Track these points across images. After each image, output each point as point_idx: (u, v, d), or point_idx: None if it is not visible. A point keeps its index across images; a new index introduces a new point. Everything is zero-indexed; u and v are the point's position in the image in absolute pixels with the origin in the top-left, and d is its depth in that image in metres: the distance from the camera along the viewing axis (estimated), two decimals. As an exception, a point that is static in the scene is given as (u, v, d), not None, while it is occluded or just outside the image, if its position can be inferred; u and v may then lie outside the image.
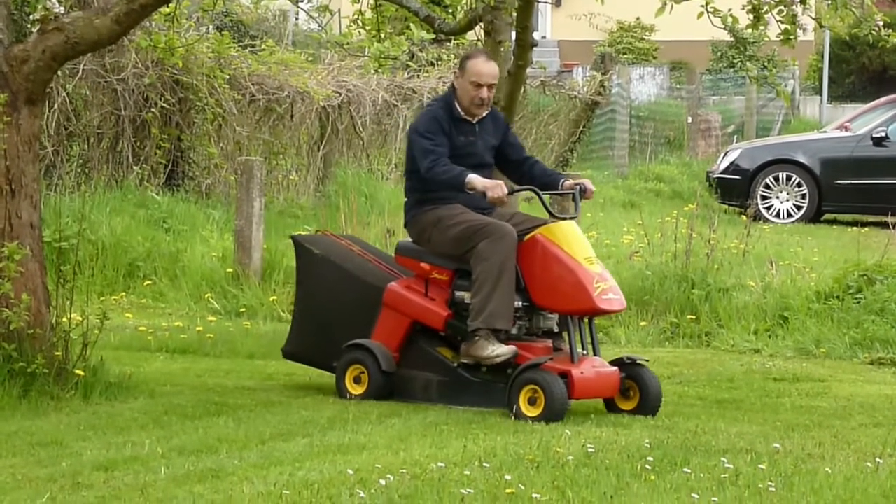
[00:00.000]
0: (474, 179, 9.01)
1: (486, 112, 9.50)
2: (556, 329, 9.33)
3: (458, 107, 9.41)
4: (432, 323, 9.46)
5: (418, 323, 9.54)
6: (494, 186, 8.97)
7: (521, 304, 9.15)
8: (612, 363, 9.30)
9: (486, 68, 9.36)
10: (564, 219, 9.38)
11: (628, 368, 9.22)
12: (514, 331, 9.19)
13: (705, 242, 13.50)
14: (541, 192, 9.47)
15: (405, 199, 9.82)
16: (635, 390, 9.20)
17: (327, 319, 9.96)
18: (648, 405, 9.13)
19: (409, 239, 9.81)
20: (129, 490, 7.20)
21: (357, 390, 9.50)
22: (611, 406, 9.32)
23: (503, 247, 8.96)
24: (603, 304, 9.03)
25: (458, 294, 9.31)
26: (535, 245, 9.07)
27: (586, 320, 9.29)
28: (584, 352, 9.25)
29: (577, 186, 9.43)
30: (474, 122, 9.43)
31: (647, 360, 9.55)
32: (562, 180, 9.56)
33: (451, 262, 9.33)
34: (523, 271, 9.07)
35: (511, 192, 9.29)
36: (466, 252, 9.09)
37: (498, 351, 8.93)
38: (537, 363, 8.91)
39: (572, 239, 9.13)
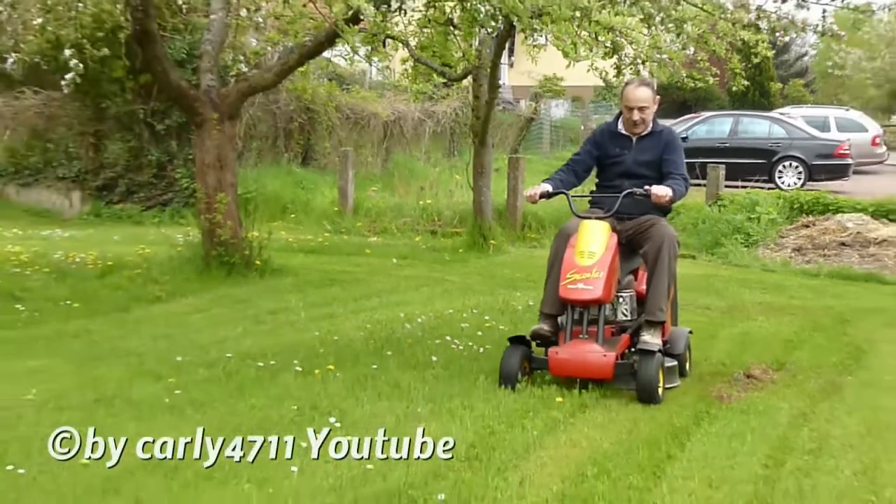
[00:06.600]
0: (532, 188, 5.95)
1: (648, 131, 6.06)
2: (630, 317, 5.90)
3: (621, 125, 6.09)
4: None
5: None
6: (530, 189, 5.91)
7: None
8: (635, 352, 5.70)
9: (633, 94, 6.01)
10: (588, 218, 5.77)
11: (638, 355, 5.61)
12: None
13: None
14: (569, 196, 5.92)
15: None
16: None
17: None
18: (638, 393, 5.41)
19: None
20: (286, 324, 7.29)
21: None
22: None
23: (554, 244, 5.85)
24: (565, 291, 5.50)
25: None
26: None
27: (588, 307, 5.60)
28: (584, 335, 5.58)
29: (627, 191, 5.83)
30: (634, 138, 6.05)
31: (657, 349, 5.56)
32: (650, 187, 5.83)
33: None
34: None
35: (545, 196, 5.88)
36: None
37: (533, 329, 5.74)
38: (522, 336, 5.76)
39: (582, 235, 5.60)
